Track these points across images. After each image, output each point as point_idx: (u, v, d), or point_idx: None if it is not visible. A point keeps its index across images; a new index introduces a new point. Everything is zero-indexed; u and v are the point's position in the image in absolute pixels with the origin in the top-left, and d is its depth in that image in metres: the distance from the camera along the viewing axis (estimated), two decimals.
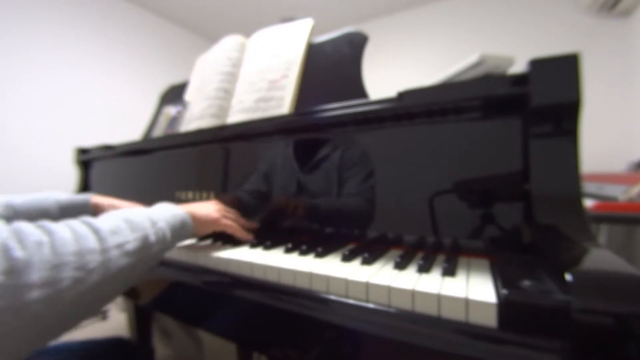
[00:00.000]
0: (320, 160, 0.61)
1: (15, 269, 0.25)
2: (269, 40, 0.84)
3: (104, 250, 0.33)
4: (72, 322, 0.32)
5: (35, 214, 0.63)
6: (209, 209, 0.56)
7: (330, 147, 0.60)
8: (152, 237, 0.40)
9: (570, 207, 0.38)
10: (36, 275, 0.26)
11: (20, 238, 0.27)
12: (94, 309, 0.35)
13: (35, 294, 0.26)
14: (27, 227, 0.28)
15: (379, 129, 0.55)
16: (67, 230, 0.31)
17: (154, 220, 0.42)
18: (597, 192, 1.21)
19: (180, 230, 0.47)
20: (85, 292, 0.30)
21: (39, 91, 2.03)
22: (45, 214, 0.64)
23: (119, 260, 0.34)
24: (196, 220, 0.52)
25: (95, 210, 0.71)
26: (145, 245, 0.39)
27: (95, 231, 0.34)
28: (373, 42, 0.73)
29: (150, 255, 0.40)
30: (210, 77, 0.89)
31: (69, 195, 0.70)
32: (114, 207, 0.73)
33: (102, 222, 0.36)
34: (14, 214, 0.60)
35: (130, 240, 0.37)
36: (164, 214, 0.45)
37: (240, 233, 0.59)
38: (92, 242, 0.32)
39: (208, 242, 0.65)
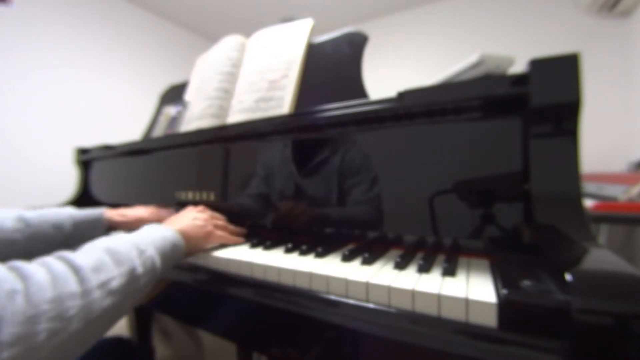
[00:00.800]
0: (319, 163, 0.61)
1: None
2: (269, 40, 0.84)
3: (85, 293, 0.30)
4: None
5: (49, 229, 0.61)
6: (198, 222, 0.53)
7: (329, 150, 0.60)
8: (140, 269, 0.37)
9: (570, 207, 0.38)
10: (7, 331, 0.23)
11: None
12: (75, 354, 0.31)
13: (4, 354, 0.23)
14: (3, 271, 0.26)
15: (379, 129, 0.55)
16: (43, 273, 0.28)
17: (141, 248, 0.39)
18: (597, 192, 1.21)
19: (171, 254, 0.44)
20: (65, 342, 0.27)
21: (39, 91, 2.03)
22: (59, 228, 0.62)
23: (103, 301, 0.31)
24: (189, 239, 0.49)
25: (109, 225, 0.69)
26: (131, 280, 0.35)
27: (76, 271, 0.30)
28: (373, 42, 0.73)
29: (137, 288, 0.36)
30: (210, 77, 0.89)
31: (83, 210, 0.69)
32: (126, 219, 0.71)
33: (84, 257, 0.32)
34: (26, 227, 0.59)
35: (115, 276, 0.33)
36: (153, 237, 0.42)
37: (231, 241, 0.58)
38: (72, 284, 0.29)
39: None
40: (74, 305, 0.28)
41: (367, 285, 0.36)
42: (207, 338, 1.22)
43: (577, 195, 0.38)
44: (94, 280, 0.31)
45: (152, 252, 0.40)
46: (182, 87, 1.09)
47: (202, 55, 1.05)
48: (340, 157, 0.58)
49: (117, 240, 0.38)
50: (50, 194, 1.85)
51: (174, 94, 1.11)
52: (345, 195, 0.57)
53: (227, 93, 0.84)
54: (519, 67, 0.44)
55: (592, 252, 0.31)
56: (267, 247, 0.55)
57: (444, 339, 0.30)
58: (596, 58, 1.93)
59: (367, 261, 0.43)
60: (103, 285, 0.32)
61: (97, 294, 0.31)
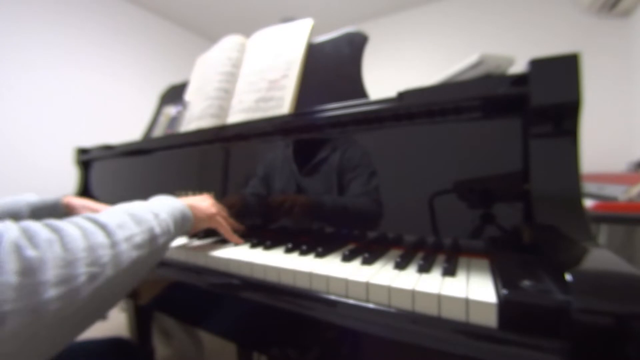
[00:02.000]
0: (319, 162, 0.61)
1: (30, 268, 0.25)
2: (269, 40, 0.84)
3: (113, 244, 0.33)
4: (90, 319, 0.32)
5: (7, 217, 0.63)
6: (206, 203, 0.57)
7: (329, 148, 0.60)
8: (157, 229, 0.40)
9: (570, 207, 0.38)
10: (51, 273, 0.26)
11: (30, 236, 0.26)
12: (110, 304, 0.35)
13: (52, 292, 0.25)
14: (35, 226, 0.28)
15: (379, 129, 0.55)
16: (74, 228, 0.31)
17: (155, 212, 0.42)
18: (597, 192, 1.21)
19: (182, 221, 0.47)
20: (101, 287, 0.30)
21: (39, 91, 2.03)
22: (17, 216, 0.63)
23: (130, 253, 0.34)
24: (195, 213, 0.52)
25: (67, 212, 0.71)
26: (152, 237, 0.38)
27: (102, 226, 0.33)
28: (373, 42, 0.73)
29: (157, 247, 0.40)
30: (210, 77, 0.89)
31: (40, 197, 0.70)
32: (87, 209, 0.72)
33: (107, 217, 0.35)
34: None
35: (137, 233, 0.36)
36: (164, 206, 0.45)
37: (229, 235, 0.59)
38: (101, 237, 0.32)
39: (208, 240, 0.65)
40: (105, 254, 0.31)
41: (367, 285, 0.36)
42: (207, 338, 1.22)
43: (577, 195, 0.38)
44: (119, 234, 0.34)
45: (165, 216, 0.43)
46: (182, 87, 1.09)
47: (202, 55, 1.05)
48: (340, 155, 0.59)
49: (133, 205, 0.41)
50: (50, 194, 1.85)
51: (174, 94, 1.11)
52: (344, 190, 0.57)
53: (227, 93, 0.84)
54: (519, 67, 0.44)
55: (592, 252, 0.31)
56: (267, 247, 0.55)
57: (444, 339, 0.30)
58: (596, 58, 1.93)
59: (367, 261, 0.43)
60: (128, 239, 0.35)
61: (124, 246, 0.34)
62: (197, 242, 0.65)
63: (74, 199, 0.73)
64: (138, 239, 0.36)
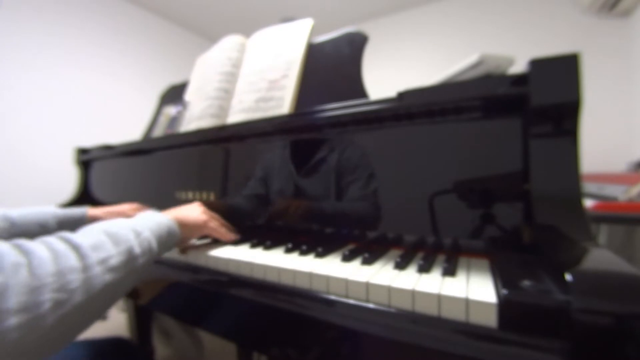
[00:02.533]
0: (317, 162, 0.61)
1: None
2: (269, 40, 0.84)
3: (85, 268, 0.31)
4: (57, 345, 0.30)
5: (34, 227, 0.63)
6: (195, 212, 0.55)
7: (326, 149, 0.60)
8: (137, 249, 0.38)
9: (570, 207, 0.38)
10: (13, 300, 0.25)
11: None
12: (81, 328, 0.33)
13: (12, 320, 0.24)
14: (3, 248, 0.27)
15: (379, 129, 0.55)
16: (44, 250, 0.29)
17: (137, 231, 0.40)
18: (597, 192, 1.21)
19: (167, 238, 0.45)
20: (68, 314, 0.29)
21: (39, 91, 2.03)
22: (44, 226, 0.64)
23: (103, 277, 0.33)
24: (184, 226, 0.50)
25: (92, 222, 0.71)
26: (130, 259, 0.37)
27: (76, 248, 0.32)
28: (373, 42, 0.73)
29: (136, 268, 0.38)
30: (210, 77, 0.89)
31: (66, 209, 0.70)
32: (110, 214, 0.73)
33: (82, 237, 0.34)
34: (11, 227, 0.60)
35: (114, 254, 0.35)
36: (148, 223, 0.43)
37: (225, 236, 0.58)
38: (72, 260, 0.30)
39: (207, 241, 0.65)
40: (75, 279, 0.30)
41: (367, 285, 0.36)
42: (207, 338, 1.22)
43: (577, 195, 0.38)
44: (93, 256, 0.32)
45: (148, 235, 0.41)
46: (182, 87, 1.09)
47: (202, 55, 1.05)
48: (338, 156, 0.59)
49: (114, 224, 0.39)
50: (50, 195, 1.85)
51: (174, 94, 1.11)
52: (343, 192, 0.57)
53: (227, 93, 0.84)
54: (519, 67, 0.44)
55: (592, 252, 0.31)
56: (267, 247, 0.55)
57: (444, 339, 0.30)
58: (596, 58, 1.93)
59: (367, 261, 0.43)
60: (102, 262, 0.33)
61: (97, 270, 0.32)
62: (197, 242, 0.65)
63: (95, 210, 0.74)
64: (114, 261, 0.34)
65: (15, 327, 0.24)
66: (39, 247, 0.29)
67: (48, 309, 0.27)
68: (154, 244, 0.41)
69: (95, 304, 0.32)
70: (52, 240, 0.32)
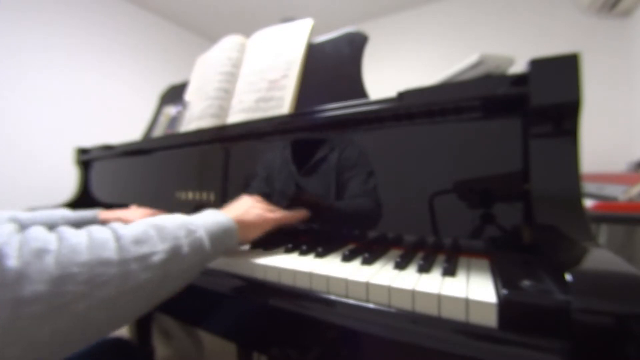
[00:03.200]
0: (317, 162, 0.61)
1: (6, 281, 0.22)
2: (269, 40, 0.84)
3: (121, 262, 0.29)
4: (84, 339, 0.28)
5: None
6: (255, 209, 0.51)
7: (327, 148, 0.60)
8: (186, 249, 0.35)
9: (570, 207, 0.38)
10: (28, 288, 0.23)
11: (20, 245, 0.24)
12: (108, 327, 0.30)
13: (26, 309, 0.23)
14: (34, 233, 0.26)
15: (379, 129, 0.55)
16: (82, 237, 0.28)
17: (190, 229, 0.37)
18: (597, 192, 1.21)
19: (224, 238, 0.42)
20: (93, 308, 0.27)
21: (39, 91, 2.03)
22: (52, 229, 0.64)
23: (139, 275, 0.30)
24: (245, 226, 0.47)
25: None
26: (174, 258, 0.34)
27: (117, 239, 0.30)
28: (373, 42, 0.73)
29: (182, 269, 0.35)
30: (210, 77, 0.89)
31: (76, 212, 0.70)
32: (120, 221, 0.72)
33: (128, 228, 0.32)
34: (19, 229, 0.60)
35: (158, 251, 0.32)
36: (205, 221, 0.40)
37: (294, 217, 0.55)
38: (109, 251, 0.29)
39: None
40: (107, 273, 0.28)
41: (367, 285, 0.36)
42: (207, 338, 1.22)
43: (577, 195, 0.38)
44: (133, 251, 0.31)
45: (201, 234, 0.38)
46: (182, 87, 1.09)
47: (202, 55, 1.05)
48: (338, 155, 0.58)
49: (168, 218, 0.37)
50: (50, 194, 1.85)
51: (174, 94, 1.11)
52: (344, 190, 0.57)
53: (227, 93, 0.84)
54: (519, 67, 0.44)
55: (592, 252, 0.31)
56: (267, 247, 0.55)
57: (444, 339, 0.30)
58: (596, 58, 1.93)
59: (367, 261, 0.43)
60: (142, 258, 0.31)
61: (134, 266, 0.30)
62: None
63: (106, 213, 0.74)
64: (156, 258, 0.32)
65: (32, 316, 0.23)
66: (79, 234, 0.28)
67: (68, 300, 0.25)
68: (207, 245, 0.38)
69: (127, 303, 0.30)
70: (97, 228, 0.31)
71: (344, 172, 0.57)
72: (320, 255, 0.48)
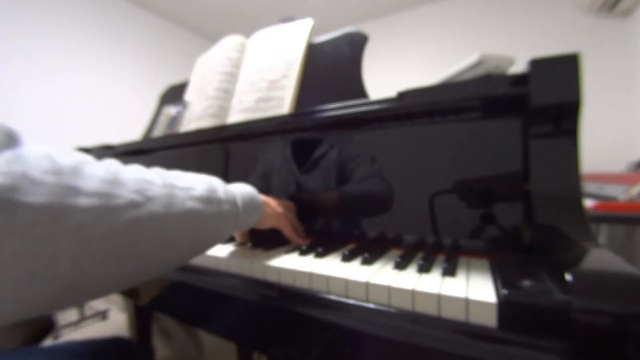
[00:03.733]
0: (317, 159, 0.61)
1: (62, 171, 0.22)
2: (269, 40, 0.84)
3: (166, 185, 0.30)
4: (131, 265, 0.27)
5: None
6: (278, 206, 0.53)
7: (326, 145, 0.60)
8: (221, 194, 0.36)
9: (570, 207, 0.38)
10: (84, 182, 0.23)
11: (69, 154, 0.24)
12: (157, 247, 0.29)
13: (82, 200, 0.22)
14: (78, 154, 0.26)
15: (379, 129, 0.55)
16: (121, 165, 0.28)
17: (223, 183, 0.39)
18: (597, 192, 1.21)
19: (251, 203, 0.42)
20: (142, 221, 0.26)
21: (39, 91, 2.03)
22: None
23: (185, 202, 0.30)
24: (266, 206, 0.48)
25: None
26: (213, 197, 0.34)
27: (156, 171, 0.31)
28: (373, 42, 0.73)
29: (222, 213, 0.35)
30: (210, 77, 0.89)
31: None
32: None
33: (162, 172, 0.33)
34: None
35: (197, 187, 0.33)
36: (237, 185, 0.42)
37: (293, 237, 0.54)
38: (151, 175, 0.29)
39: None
40: (155, 189, 0.28)
41: (367, 285, 0.36)
42: (207, 338, 1.22)
43: (577, 195, 0.38)
44: (175, 182, 0.31)
45: (232, 189, 0.39)
46: (182, 87, 1.09)
47: (202, 56, 1.05)
48: (338, 152, 0.59)
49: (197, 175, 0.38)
50: None
51: (174, 94, 1.11)
52: (348, 181, 0.57)
53: (227, 93, 0.84)
54: (519, 67, 0.44)
55: (592, 252, 0.31)
56: (267, 247, 0.55)
57: (444, 339, 0.30)
58: (596, 58, 1.93)
59: (367, 261, 0.43)
60: (185, 189, 0.31)
61: (179, 192, 0.30)
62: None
63: None
64: (197, 192, 0.32)
65: (84, 207, 0.22)
66: (114, 162, 0.29)
67: (122, 204, 0.25)
68: (239, 201, 0.39)
69: (172, 225, 0.29)
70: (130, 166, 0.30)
71: (346, 166, 0.58)
72: (320, 255, 0.48)
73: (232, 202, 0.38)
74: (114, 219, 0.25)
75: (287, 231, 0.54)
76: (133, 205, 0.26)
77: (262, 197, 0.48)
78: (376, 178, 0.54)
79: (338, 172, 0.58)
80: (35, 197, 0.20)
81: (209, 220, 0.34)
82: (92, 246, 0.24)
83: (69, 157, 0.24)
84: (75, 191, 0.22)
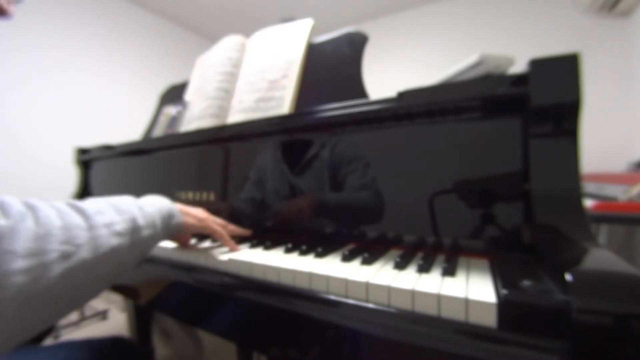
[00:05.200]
0: (309, 160, 0.61)
1: (2, 235, 0.24)
2: (269, 40, 0.84)
3: (91, 227, 0.32)
4: (66, 306, 0.30)
5: None
6: (197, 210, 0.56)
7: (318, 145, 0.60)
8: (141, 221, 0.39)
9: (570, 207, 0.38)
10: (20, 243, 0.25)
11: (3, 208, 0.26)
12: (89, 292, 0.32)
13: (18, 263, 0.24)
14: (10, 199, 0.27)
15: (379, 129, 0.55)
16: (49, 207, 0.30)
17: (140, 205, 0.41)
18: (597, 192, 1.21)
19: (169, 220, 0.46)
20: (75, 269, 0.29)
21: (39, 91, 2.03)
22: None
23: (109, 239, 0.33)
24: (185, 214, 0.51)
25: None
26: (134, 228, 0.37)
27: (79, 210, 0.32)
28: (373, 42, 0.73)
29: (142, 239, 0.38)
30: (210, 77, 0.89)
31: None
32: None
33: (86, 203, 0.35)
34: None
35: (118, 221, 0.35)
36: (152, 202, 0.45)
37: (225, 240, 0.55)
38: (76, 219, 0.31)
39: (208, 242, 0.65)
40: (81, 235, 0.30)
41: (367, 285, 0.36)
42: (207, 338, 1.22)
43: (577, 195, 0.38)
44: (98, 219, 0.33)
45: (151, 211, 0.42)
46: (182, 87, 1.09)
47: (202, 56, 1.05)
48: (330, 151, 0.59)
49: (118, 198, 0.41)
50: (50, 194, 1.85)
51: (174, 94, 1.11)
52: (341, 185, 0.57)
53: (227, 93, 0.84)
54: (519, 67, 0.44)
55: (592, 252, 0.31)
56: (267, 247, 0.55)
57: (444, 339, 0.30)
58: (596, 58, 1.93)
59: (367, 261, 0.43)
60: (107, 225, 0.34)
61: (103, 231, 0.33)
62: (202, 244, 0.65)
63: None
64: (119, 227, 0.35)
65: (21, 270, 0.24)
66: (43, 204, 0.30)
67: (54, 258, 0.27)
68: (158, 221, 0.42)
69: (102, 268, 0.32)
70: (56, 203, 0.32)
71: (339, 168, 0.57)
72: (320, 255, 0.48)
73: (151, 225, 0.40)
74: (49, 274, 0.27)
75: (217, 235, 0.55)
76: (64, 256, 0.28)
77: (180, 207, 0.50)
78: (368, 191, 0.54)
79: (330, 173, 0.58)
80: None
81: (132, 249, 0.37)
82: (32, 301, 0.26)
83: (6, 213, 0.25)
84: (11, 257, 0.24)
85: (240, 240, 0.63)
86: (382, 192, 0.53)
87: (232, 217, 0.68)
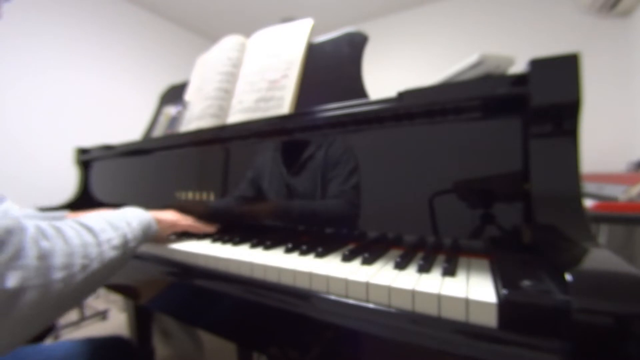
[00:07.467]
0: (305, 160, 0.61)
1: (44, 255, 0.31)
2: (269, 40, 0.84)
3: (99, 244, 0.40)
4: (77, 301, 0.39)
5: None
6: (168, 214, 0.66)
7: (314, 146, 0.61)
8: (130, 235, 0.48)
9: (570, 207, 0.38)
10: (58, 260, 0.33)
11: (42, 231, 0.33)
12: (92, 290, 0.41)
13: (58, 274, 0.32)
14: (44, 225, 0.34)
15: (379, 129, 0.55)
16: (69, 228, 0.38)
17: (128, 221, 0.50)
18: (597, 192, 1.21)
19: (148, 230, 0.55)
20: (89, 276, 0.37)
21: (39, 91, 2.03)
22: None
23: (110, 252, 0.42)
24: (160, 223, 0.61)
25: None
26: (125, 242, 0.46)
27: (89, 230, 0.41)
28: (373, 42, 0.73)
29: (129, 249, 0.47)
30: (210, 77, 0.89)
31: (44, 213, 0.71)
32: None
33: (92, 222, 0.43)
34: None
35: (114, 237, 0.44)
36: (135, 216, 0.53)
37: (196, 229, 0.67)
38: (89, 237, 0.40)
39: (207, 242, 0.65)
40: (94, 251, 0.39)
41: (367, 285, 0.36)
42: (207, 338, 1.22)
43: (577, 195, 0.38)
44: (102, 236, 0.42)
45: (136, 225, 0.51)
46: (182, 87, 1.09)
47: (202, 55, 1.05)
48: (324, 152, 0.59)
49: (111, 214, 0.49)
50: (50, 194, 1.85)
51: (174, 94, 1.11)
52: (324, 189, 0.59)
53: (227, 93, 0.84)
54: (519, 67, 0.44)
55: (592, 252, 0.31)
56: (267, 247, 0.55)
57: (444, 339, 0.30)
58: (596, 58, 1.93)
59: (367, 261, 0.43)
60: (108, 241, 0.42)
61: (105, 247, 0.41)
62: (202, 244, 0.65)
63: (73, 215, 0.77)
64: (115, 242, 0.44)
65: (59, 280, 0.32)
66: (65, 226, 0.37)
67: (78, 270, 0.35)
68: (140, 233, 0.51)
69: (103, 273, 0.41)
70: (72, 223, 0.40)
71: (330, 173, 0.58)
72: (320, 255, 0.48)
73: (137, 238, 0.49)
74: (75, 281, 0.35)
75: (190, 229, 0.67)
76: (83, 268, 0.36)
77: (154, 215, 0.59)
78: (341, 200, 0.56)
79: (321, 174, 0.59)
80: (31, 281, 0.30)
81: (122, 258, 0.45)
82: (60, 301, 0.34)
83: (46, 237, 0.33)
84: (53, 270, 0.32)
85: (240, 240, 0.63)
86: (359, 199, 0.55)
87: (207, 215, 0.74)
